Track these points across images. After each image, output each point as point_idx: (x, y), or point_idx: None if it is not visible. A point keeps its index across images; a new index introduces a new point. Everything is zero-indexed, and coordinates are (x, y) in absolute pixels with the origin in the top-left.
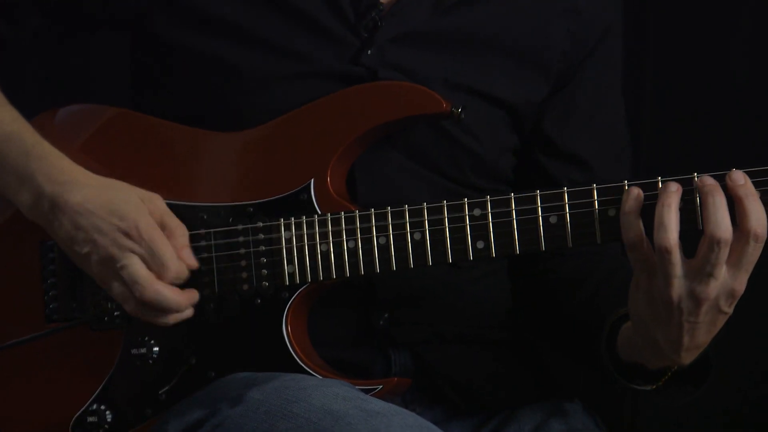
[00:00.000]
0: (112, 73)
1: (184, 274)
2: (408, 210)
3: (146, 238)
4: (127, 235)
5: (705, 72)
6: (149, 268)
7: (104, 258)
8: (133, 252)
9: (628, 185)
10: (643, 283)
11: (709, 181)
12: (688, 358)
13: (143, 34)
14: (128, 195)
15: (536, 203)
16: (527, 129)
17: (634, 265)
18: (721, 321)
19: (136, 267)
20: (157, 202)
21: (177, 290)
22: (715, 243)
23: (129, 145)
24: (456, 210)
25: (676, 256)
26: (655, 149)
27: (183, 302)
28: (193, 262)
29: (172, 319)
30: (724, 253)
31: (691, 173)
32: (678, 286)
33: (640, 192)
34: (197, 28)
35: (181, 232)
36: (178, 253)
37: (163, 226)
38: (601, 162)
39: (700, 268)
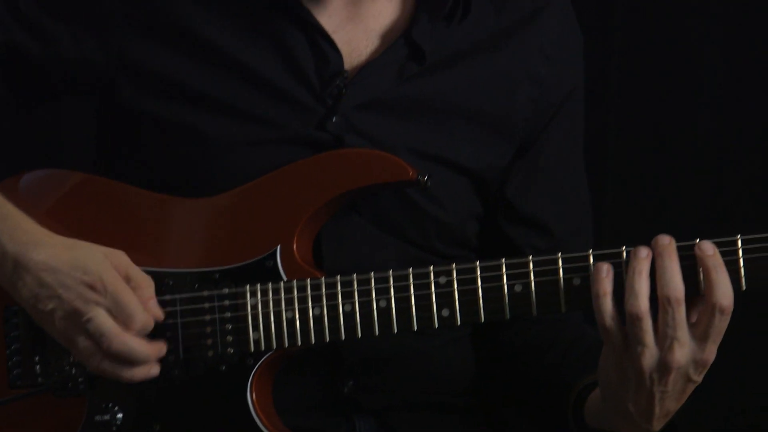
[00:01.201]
0: (79, 137)
1: (151, 324)
2: (374, 278)
3: (111, 290)
4: (92, 288)
5: (668, 133)
6: (115, 319)
7: (69, 313)
8: (99, 304)
9: (593, 256)
10: (614, 352)
11: (663, 240)
12: (659, 425)
13: (110, 101)
14: (92, 251)
15: (501, 271)
16: (491, 195)
17: (605, 337)
18: (690, 389)
19: (102, 319)
20: (122, 257)
21: (144, 341)
22: (667, 303)
23: (95, 210)
24: (421, 278)
25: (647, 323)
26: (617, 213)
27: (151, 353)
28: (160, 314)
29: (139, 373)
30: (680, 312)
31: (653, 237)
32: (648, 355)
33: (610, 268)
34: (164, 96)
35: (147, 284)
36: (144, 304)
37: (128, 279)
38: (563, 228)
39: (662, 332)
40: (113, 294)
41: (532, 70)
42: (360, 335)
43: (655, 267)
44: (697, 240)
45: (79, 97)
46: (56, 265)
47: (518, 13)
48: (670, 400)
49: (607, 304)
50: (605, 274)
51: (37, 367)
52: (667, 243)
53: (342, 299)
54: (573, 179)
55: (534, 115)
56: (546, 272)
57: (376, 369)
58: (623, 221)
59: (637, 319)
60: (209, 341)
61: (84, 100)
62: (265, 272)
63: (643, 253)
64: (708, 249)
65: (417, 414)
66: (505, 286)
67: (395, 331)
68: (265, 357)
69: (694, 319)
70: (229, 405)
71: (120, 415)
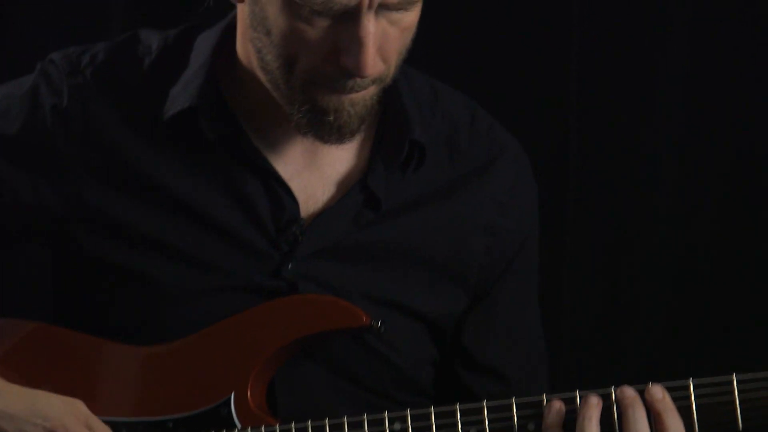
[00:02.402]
0: (33, 284)
1: None
2: (328, 424)
3: None
4: None
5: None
6: None
7: None
8: None
9: (548, 399)
10: None
11: (629, 393)
12: None
13: (65, 247)
14: (50, 399)
15: (456, 417)
16: (447, 341)
17: None
18: None
19: None
20: (80, 407)
21: None
22: None
23: (48, 360)
24: (377, 424)
25: None
26: (573, 360)
27: None
28: None
29: None
30: None
31: (609, 383)
32: None
33: (562, 405)
34: (119, 243)
35: None
36: None
37: (89, 428)
38: (519, 374)
39: None
40: None
41: (487, 219)
42: None
43: (622, 418)
44: (649, 383)
45: (34, 243)
46: (14, 412)
47: (472, 162)
48: None
49: None
50: (556, 409)
51: None
52: (633, 395)
53: None
54: (528, 326)
55: (489, 264)
56: (501, 418)
57: None
58: (578, 370)
59: None
60: None
61: (40, 247)
62: (219, 420)
63: (594, 401)
64: (657, 393)
65: None
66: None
67: None
68: None
69: None
70: None
71: None
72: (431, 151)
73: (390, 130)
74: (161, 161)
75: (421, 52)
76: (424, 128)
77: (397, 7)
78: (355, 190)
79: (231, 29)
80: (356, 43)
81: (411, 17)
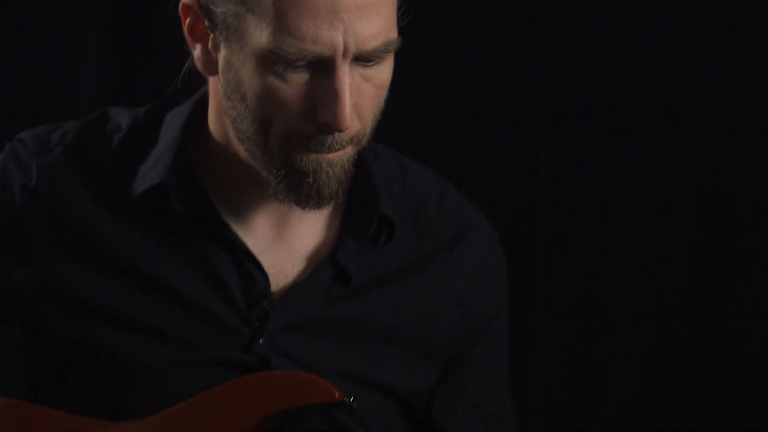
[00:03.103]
0: (4, 362)
1: None
2: None
3: None
4: None
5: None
6: None
7: None
8: None
9: None
10: None
11: None
12: None
13: (35, 326)
14: None
15: None
16: (418, 416)
17: None
18: None
19: None
20: None
21: None
22: None
23: None
24: None
25: None
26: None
27: None
28: None
29: None
30: None
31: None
32: None
33: None
34: (89, 320)
35: None
36: None
37: None
38: None
39: None
40: None
41: (456, 294)
42: None
43: None
44: None
45: (3, 324)
46: None
47: (441, 237)
48: None
49: None
50: None
51: None
52: None
53: None
54: (499, 399)
55: (458, 338)
56: None
57: None
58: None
59: None
60: None
61: (9, 326)
62: None
63: None
64: None
65: None
66: None
67: None
68: None
69: None
70: None
71: None
72: (401, 226)
73: (359, 205)
74: (131, 238)
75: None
76: (393, 203)
77: (373, 56)
78: (325, 265)
79: (200, 106)
80: (332, 95)
81: (385, 73)
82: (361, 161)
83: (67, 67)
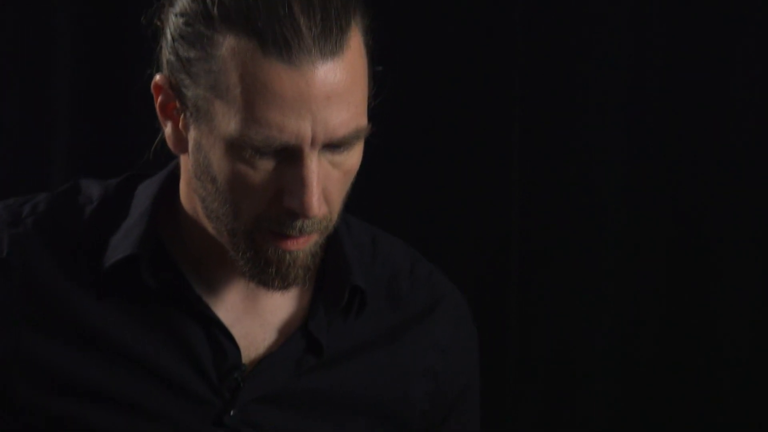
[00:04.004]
0: None
1: None
2: None
3: None
4: None
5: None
6: None
7: None
8: None
9: None
10: None
11: None
12: None
13: (2, 400)
14: None
15: None
16: None
17: None
18: None
19: None
20: None
21: None
22: None
23: None
24: None
25: None
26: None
27: None
28: None
29: None
30: None
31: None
32: None
33: None
34: (59, 394)
35: None
36: None
37: None
38: None
39: None
40: None
41: (428, 365)
42: None
43: None
44: None
45: None
46: None
47: (413, 308)
48: None
49: None
50: None
51: None
52: None
53: None
54: None
55: (430, 409)
56: None
57: None
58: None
59: None
60: None
61: None
62: None
63: None
64: None
65: None
66: None
67: None
68: None
69: None
70: None
71: None
72: (372, 297)
73: (331, 276)
74: (102, 310)
75: None
76: (364, 274)
77: (342, 143)
78: (297, 336)
79: (172, 178)
80: (300, 184)
81: (353, 159)
82: (332, 233)
83: (38, 136)
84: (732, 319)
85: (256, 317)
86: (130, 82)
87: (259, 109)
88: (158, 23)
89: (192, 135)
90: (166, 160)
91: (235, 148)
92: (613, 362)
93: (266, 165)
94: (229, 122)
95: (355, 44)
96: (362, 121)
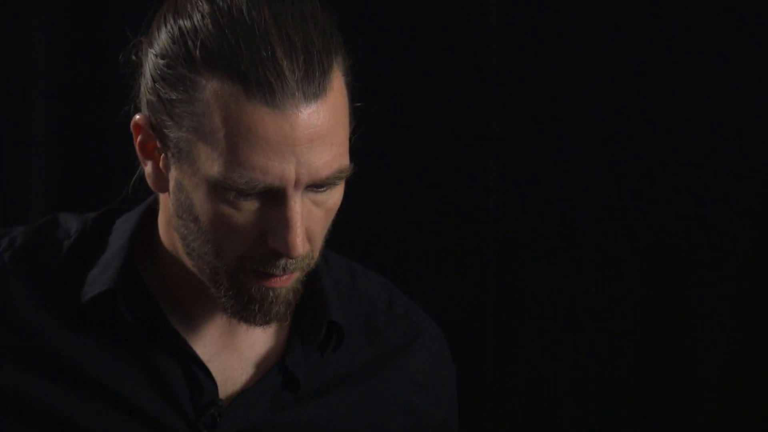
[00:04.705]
0: None
1: None
2: None
3: None
4: None
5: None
6: None
7: None
8: None
9: None
10: None
11: None
12: None
13: None
14: None
15: None
16: None
17: None
18: None
19: None
20: None
21: None
22: None
23: None
24: None
25: None
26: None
27: None
28: None
29: None
30: None
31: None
32: None
33: None
34: (32, 425)
35: None
36: None
37: None
38: None
39: None
40: None
41: (405, 400)
42: None
43: None
44: None
45: None
46: None
47: (390, 343)
48: None
49: None
50: None
51: None
52: None
53: None
54: None
55: None
56: None
57: None
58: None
59: None
60: None
61: None
62: None
63: None
64: None
65: None
66: None
67: None
68: None
69: None
70: None
71: None
72: (349, 333)
73: (308, 311)
74: (79, 345)
75: None
76: (342, 310)
77: (325, 183)
78: (273, 371)
79: (150, 212)
80: (284, 224)
81: (335, 198)
82: (312, 268)
83: (16, 170)
84: (711, 339)
85: (233, 352)
86: (107, 118)
87: (243, 152)
88: (135, 59)
89: (173, 175)
90: (144, 195)
91: (219, 189)
92: (590, 393)
93: (250, 206)
94: (212, 164)
95: (337, 85)
96: (345, 160)
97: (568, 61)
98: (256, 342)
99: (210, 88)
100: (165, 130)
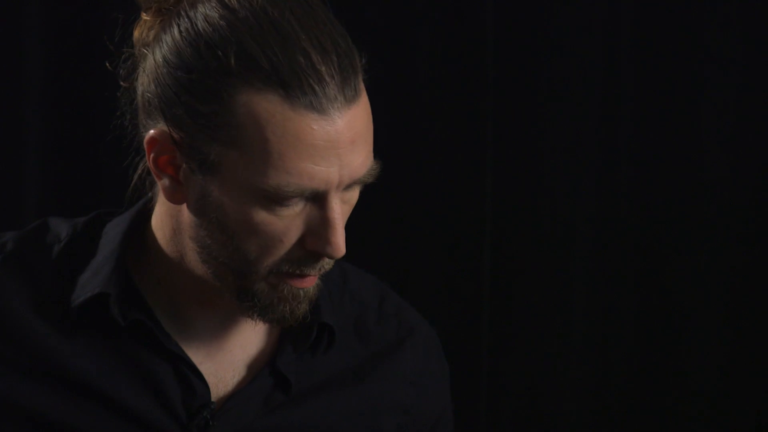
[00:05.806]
0: None
1: None
2: None
3: None
4: None
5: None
6: None
7: None
8: None
9: None
10: None
11: None
12: None
13: None
14: None
15: None
16: None
17: None
18: None
19: None
20: None
21: None
22: None
23: None
24: None
25: None
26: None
27: None
28: None
29: None
30: None
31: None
32: None
33: None
34: (24, 428)
35: None
36: None
37: None
38: None
39: None
40: None
41: (398, 399)
42: None
43: None
44: None
45: None
46: None
47: (382, 342)
48: None
49: None
50: None
51: None
52: None
53: None
54: None
55: None
56: None
57: None
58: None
59: None
60: None
61: None
62: None
63: None
64: None
65: None
66: None
67: None
68: None
69: None
70: None
71: None
72: (341, 333)
73: None
74: (71, 349)
75: None
76: (333, 310)
77: (360, 182)
78: (265, 372)
79: (141, 215)
80: (327, 226)
81: (357, 193)
82: None
83: (7, 174)
84: (704, 340)
85: (225, 354)
86: (100, 123)
87: (290, 159)
88: (127, 71)
89: (197, 187)
90: (136, 199)
91: (258, 198)
92: (584, 394)
93: (289, 212)
94: (253, 174)
95: (363, 85)
96: (372, 157)
97: (562, 63)
98: (248, 344)
99: (248, 98)
100: (193, 143)
